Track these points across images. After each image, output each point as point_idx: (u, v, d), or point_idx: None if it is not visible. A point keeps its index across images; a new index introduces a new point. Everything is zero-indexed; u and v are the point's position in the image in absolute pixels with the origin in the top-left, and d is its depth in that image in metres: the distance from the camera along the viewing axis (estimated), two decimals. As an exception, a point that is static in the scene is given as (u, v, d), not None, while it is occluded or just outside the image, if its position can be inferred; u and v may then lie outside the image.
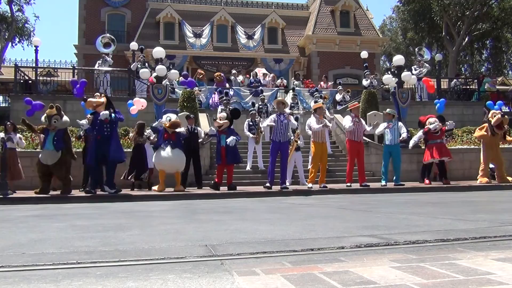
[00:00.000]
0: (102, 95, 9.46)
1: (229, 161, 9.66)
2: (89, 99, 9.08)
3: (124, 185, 10.06)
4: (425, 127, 11.12)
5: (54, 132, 8.93)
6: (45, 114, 8.99)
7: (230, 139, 9.55)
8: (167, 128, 9.53)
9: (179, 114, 12.08)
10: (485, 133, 11.00)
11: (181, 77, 15.91)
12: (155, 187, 9.79)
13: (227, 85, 17.57)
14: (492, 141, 10.89)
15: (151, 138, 10.44)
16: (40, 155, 8.99)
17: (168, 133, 9.55)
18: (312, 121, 9.96)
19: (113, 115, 8.76)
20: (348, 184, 10.10)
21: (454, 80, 19.86)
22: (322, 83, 19.87)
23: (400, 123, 10.88)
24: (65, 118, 9.14)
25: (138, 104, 11.71)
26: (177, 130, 9.57)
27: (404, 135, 10.62)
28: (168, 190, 9.55)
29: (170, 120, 9.58)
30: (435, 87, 16.65)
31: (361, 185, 10.01)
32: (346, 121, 10.49)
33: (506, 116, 10.88)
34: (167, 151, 9.39)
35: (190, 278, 1.91)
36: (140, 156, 10.41)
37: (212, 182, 9.92)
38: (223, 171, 9.92)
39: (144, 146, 10.56)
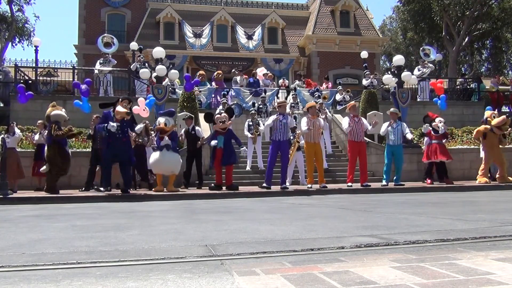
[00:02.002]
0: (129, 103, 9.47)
1: (224, 162, 9.59)
2: (118, 109, 8.96)
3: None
4: (430, 128, 11.11)
5: None
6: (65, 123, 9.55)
7: (243, 149, 9.98)
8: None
9: (178, 115, 12.02)
10: (480, 129, 10.91)
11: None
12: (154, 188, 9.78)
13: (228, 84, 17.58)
14: (492, 141, 10.88)
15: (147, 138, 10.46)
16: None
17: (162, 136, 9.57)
18: (303, 122, 9.81)
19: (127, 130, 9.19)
20: (349, 184, 10.07)
21: (461, 79, 19.87)
22: (324, 85, 19.75)
23: (404, 124, 10.87)
24: None
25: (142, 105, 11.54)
26: (163, 142, 9.47)
27: (408, 135, 10.64)
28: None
29: (159, 124, 9.66)
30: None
31: (362, 185, 9.99)
32: (344, 122, 10.44)
33: (510, 118, 10.85)
34: (160, 154, 9.40)
35: (190, 278, 1.91)
36: (140, 157, 10.38)
37: (213, 184, 9.89)
38: (221, 170, 9.86)
39: (145, 148, 10.53)
